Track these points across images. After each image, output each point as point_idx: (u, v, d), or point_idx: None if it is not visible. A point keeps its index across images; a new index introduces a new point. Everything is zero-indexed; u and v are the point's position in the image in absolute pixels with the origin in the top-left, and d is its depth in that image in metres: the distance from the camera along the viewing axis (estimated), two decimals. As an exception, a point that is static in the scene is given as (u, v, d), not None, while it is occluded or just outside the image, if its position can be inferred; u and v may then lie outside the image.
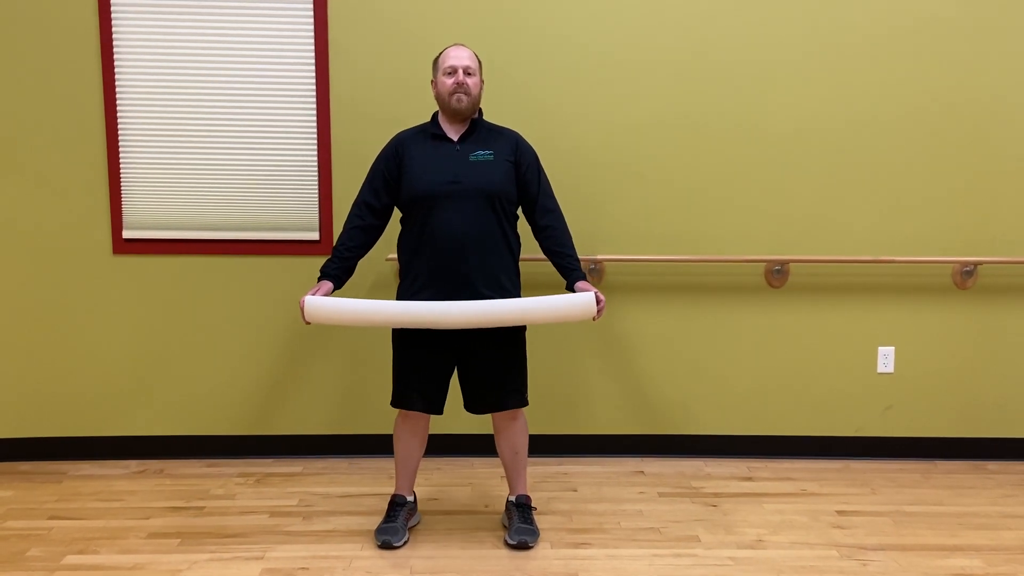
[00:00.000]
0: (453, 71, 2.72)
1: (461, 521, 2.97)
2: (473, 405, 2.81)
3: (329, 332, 3.49)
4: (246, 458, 3.55)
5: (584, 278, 2.80)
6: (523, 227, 2.87)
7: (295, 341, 3.51)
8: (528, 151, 2.83)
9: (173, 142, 3.39)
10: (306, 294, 2.69)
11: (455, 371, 2.81)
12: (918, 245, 3.52)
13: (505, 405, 2.78)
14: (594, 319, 2.69)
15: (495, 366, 2.75)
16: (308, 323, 2.67)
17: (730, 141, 3.47)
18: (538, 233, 2.84)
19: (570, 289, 2.77)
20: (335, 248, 2.80)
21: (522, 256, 2.88)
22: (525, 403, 2.82)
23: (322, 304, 2.64)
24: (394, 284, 3.45)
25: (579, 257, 3.41)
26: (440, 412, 2.80)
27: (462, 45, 2.81)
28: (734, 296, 3.55)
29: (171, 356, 3.49)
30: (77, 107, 3.35)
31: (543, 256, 3.35)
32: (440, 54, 2.80)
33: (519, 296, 2.81)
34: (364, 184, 2.82)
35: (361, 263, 3.50)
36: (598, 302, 2.67)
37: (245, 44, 3.35)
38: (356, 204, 2.82)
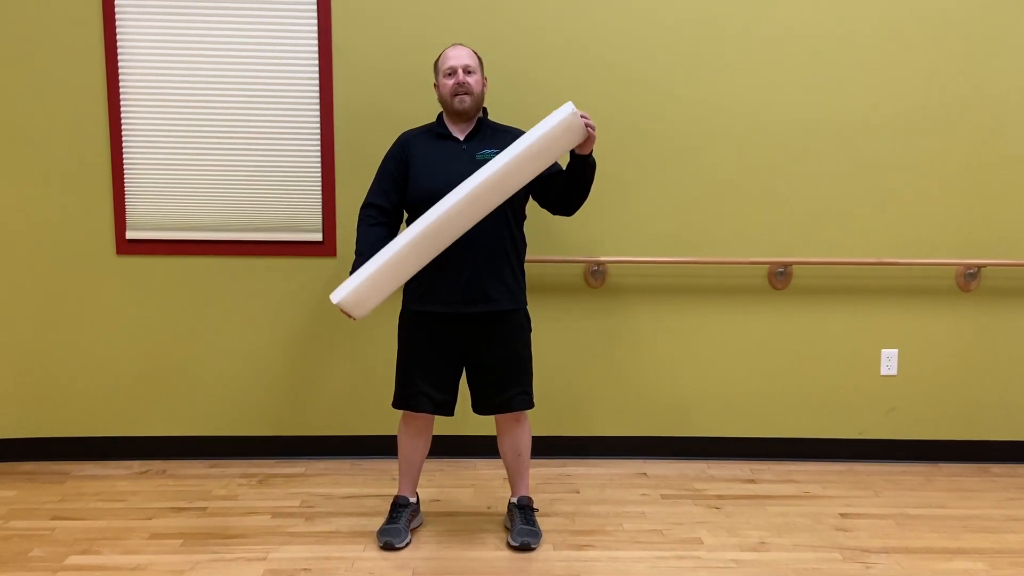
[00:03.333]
0: (453, 72, 2.72)
1: (463, 523, 2.97)
2: (480, 406, 2.81)
3: (332, 332, 3.49)
4: (249, 459, 3.55)
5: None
6: (528, 228, 2.87)
7: (298, 342, 3.51)
8: None
9: (177, 143, 3.39)
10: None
11: (463, 373, 2.81)
12: (922, 247, 3.52)
13: (512, 407, 2.78)
14: (590, 130, 2.55)
15: (501, 368, 2.75)
16: (354, 318, 2.60)
17: (733, 143, 3.46)
18: (559, 192, 2.74)
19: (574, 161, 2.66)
20: (358, 249, 2.72)
21: (527, 257, 2.88)
22: (531, 405, 2.82)
23: (370, 303, 2.57)
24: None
25: (582, 259, 3.44)
26: (451, 413, 2.79)
27: (460, 45, 2.81)
28: (737, 298, 3.54)
29: (174, 357, 3.49)
30: (81, 108, 3.36)
31: (548, 257, 3.36)
32: (440, 56, 2.80)
33: (525, 299, 2.80)
34: (372, 186, 2.81)
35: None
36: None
37: (249, 45, 3.36)
38: (365, 206, 2.79)
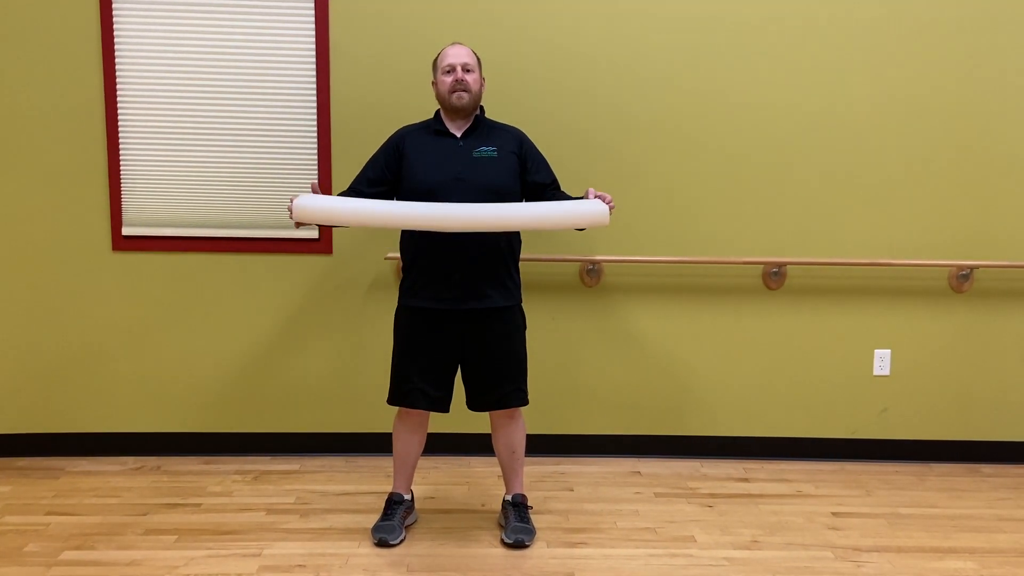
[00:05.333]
0: (451, 69, 2.73)
1: (458, 520, 2.98)
2: (475, 403, 2.82)
3: (327, 329, 3.50)
4: (243, 455, 3.55)
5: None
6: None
7: (293, 338, 3.51)
8: (532, 146, 2.85)
9: (173, 139, 3.39)
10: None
11: (458, 370, 2.82)
12: (915, 248, 3.53)
13: (507, 403, 2.79)
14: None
15: (497, 364, 2.76)
16: (297, 224, 2.62)
17: (728, 143, 3.47)
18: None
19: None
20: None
21: (523, 255, 2.88)
22: (526, 402, 2.83)
23: (313, 202, 2.57)
24: (394, 283, 3.45)
25: (577, 258, 3.45)
26: (446, 410, 2.80)
27: (459, 43, 2.82)
28: (732, 298, 3.55)
29: (169, 353, 3.49)
30: (78, 104, 3.35)
31: (544, 256, 3.37)
32: (439, 54, 2.81)
33: (520, 296, 2.82)
34: (360, 172, 2.83)
35: (360, 262, 3.51)
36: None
37: (246, 41, 3.36)
38: (348, 189, 2.81)
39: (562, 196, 2.83)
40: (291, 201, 2.62)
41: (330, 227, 3.41)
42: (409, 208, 2.57)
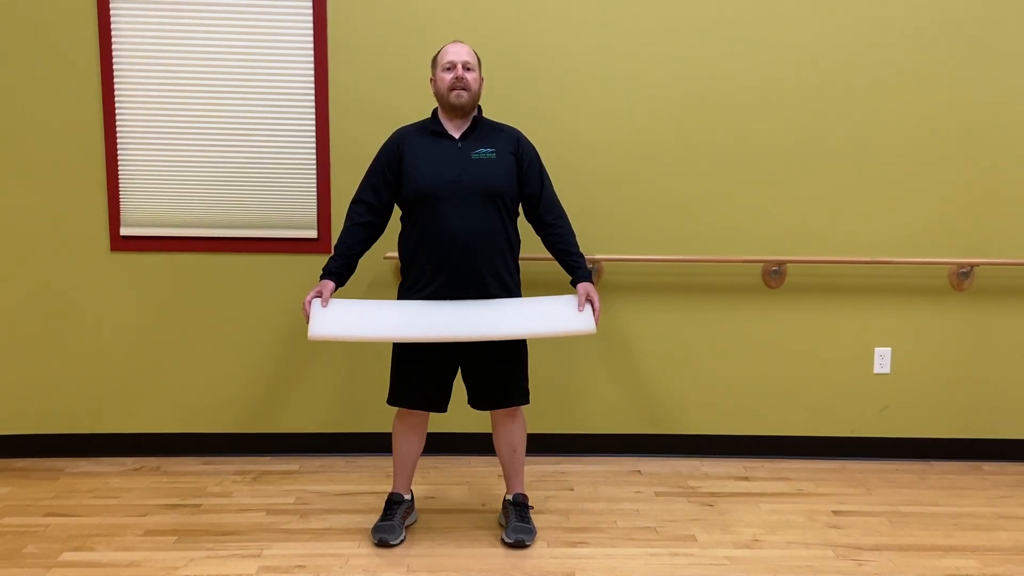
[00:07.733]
0: (452, 67, 2.72)
1: (458, 520, 2.97)
2: (477, 402, 2.81)
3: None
4: (243, 456, 3.55)
5: (589, 277, 2.80)
6: (523, 225, 2.87)
7: (293, 339, 3.51)
8: (529, 148, 2.83)
9: (172, 139, 3.38)
10: (308, 294, 2.68)
11: (458, 370, 2.81)
12: (915, 246, 3.53)
13: (509, 401, 2.78)
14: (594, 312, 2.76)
15: (499, 363, 2.75)
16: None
17: (728, 142, 3.47)
18: (543, 230, 2.84)
19: (573, 286, 2.80)
20: (336, 246, 2.78)
21: (522, 255, 2.88)
22: (527, 400, 2.82)
23: (327, 332, 2.63)
24: (393, 283, 3.45)
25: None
26: (444, 410, 2.79)
27: (460, 41, 2.81)
28: (732, 296, 3.55)
29: (168, 353, 3.49)
30: (75, 103, 3.35)
31: (543, 255, 3.35)
32: (439, 51, 2.80)
33: (520, 293, 2.82)
34: (363, 181, 2.82)
35: (360, 261, 3.51)
36: (594, 309, 2.74)
37: (244, 40, 3.35)
38: (355, 202, 2.81)
39: (555, 212, 2.83)
40: (306, 304, 2.67)
41: (328, 226, 3.41)
42: (412, 328, 2.62)
